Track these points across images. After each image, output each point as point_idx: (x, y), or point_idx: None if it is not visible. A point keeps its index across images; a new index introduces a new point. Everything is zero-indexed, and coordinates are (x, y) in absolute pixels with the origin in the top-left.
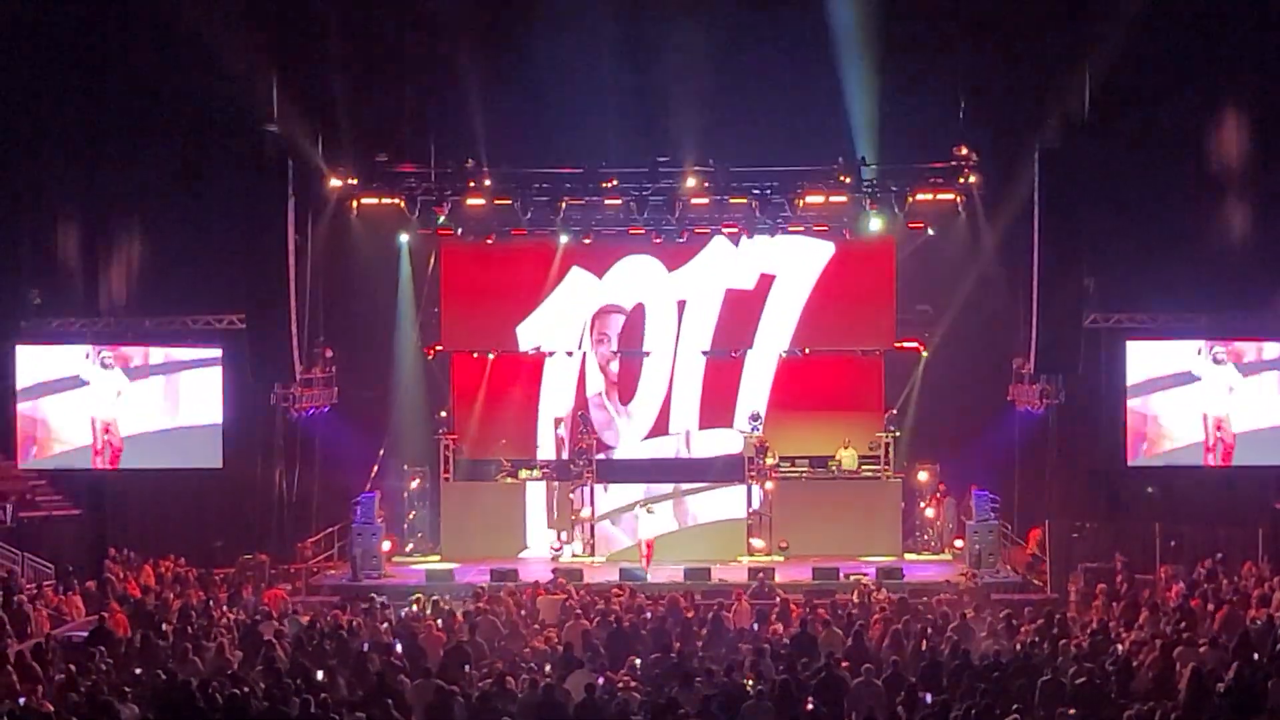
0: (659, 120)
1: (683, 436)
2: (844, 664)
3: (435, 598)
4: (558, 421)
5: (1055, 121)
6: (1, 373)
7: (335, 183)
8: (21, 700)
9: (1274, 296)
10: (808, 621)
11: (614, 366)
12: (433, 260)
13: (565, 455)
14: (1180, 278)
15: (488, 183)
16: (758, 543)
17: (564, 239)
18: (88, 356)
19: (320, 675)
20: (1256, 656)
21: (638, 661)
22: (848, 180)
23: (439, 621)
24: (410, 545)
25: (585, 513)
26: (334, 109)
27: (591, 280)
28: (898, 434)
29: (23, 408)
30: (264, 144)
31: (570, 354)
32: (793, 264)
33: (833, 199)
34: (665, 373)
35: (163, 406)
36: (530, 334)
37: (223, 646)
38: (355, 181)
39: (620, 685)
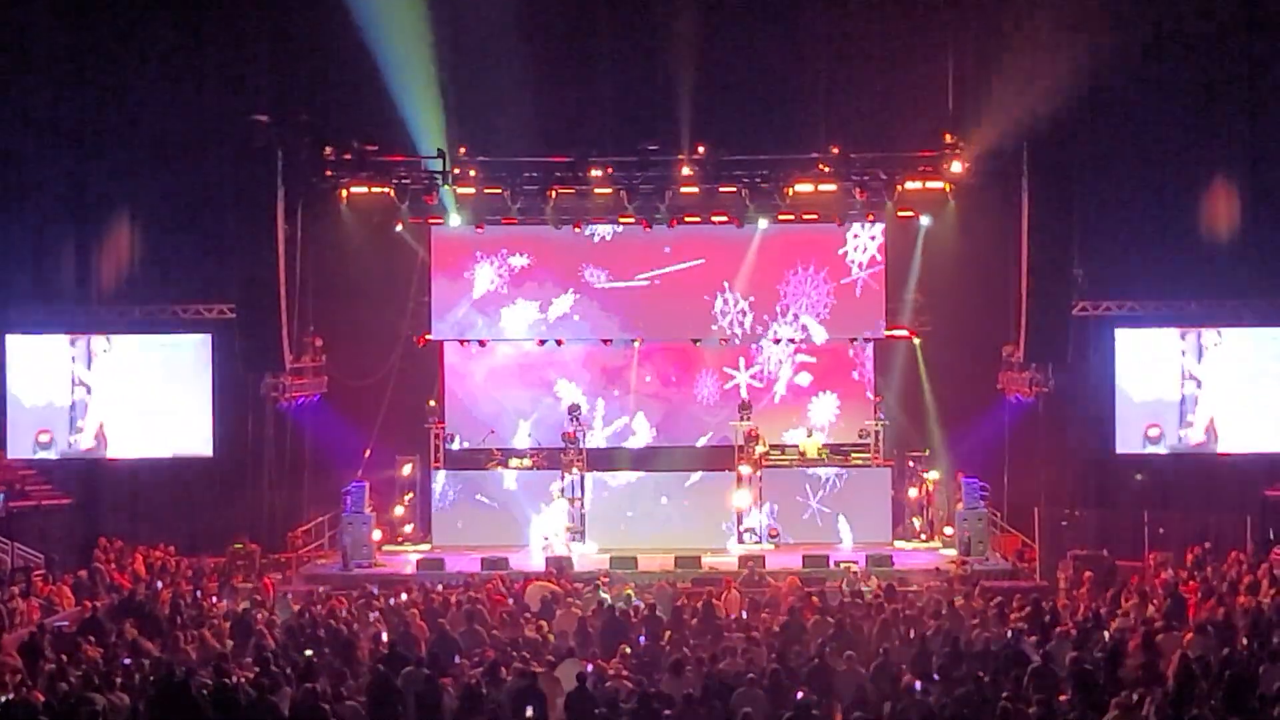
0: (649, 109)
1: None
2: (832, 651)
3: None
4: (547, 410)
5: (1044, 110)
6: None
7: (325, 172)
8: (8, 697)
9: (1262, 284)
10: (796, 610)
11: (603, 354)
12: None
13: (555, 444)
14: (1169, 266)
15: (475, 172)
16: (747, 531)
17: (554, 228)
18: (77, 345)
19: (310, 664)
20: (1245, 643)
21: (628, 650)
22: (837, 169)
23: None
24: (400, 535)
25: (564, 496)
26: (323, 98)
27: (581, 269)
28: (887, 422)
29: (12, 396)
30: (254, 133)
31: (560, 343)
32: (783, 252)
33: (822, 187)
34: (656, 360)
35: (152, 396)
36: (520, 322)
37: (212, 635)
38: (345, 171)
39: (611, 674)
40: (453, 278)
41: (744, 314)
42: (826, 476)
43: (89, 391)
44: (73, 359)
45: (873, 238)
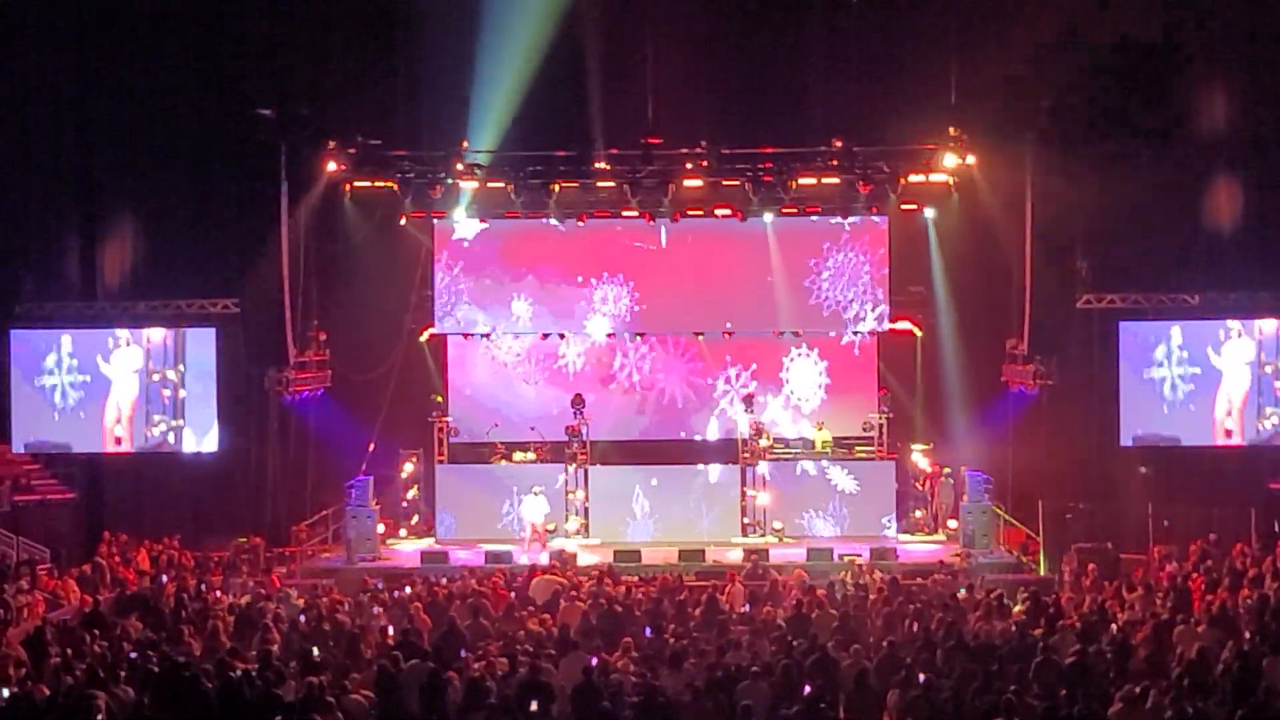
0: (652, 102)
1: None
2: (837, 644)
3: None
4: (550, 403)
5: (1048, 102)
6: None
7: (329, 166)
8: (12, 690)
9: (1265, 276)
10: (803, 603)
11: (607, 347)
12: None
13: (559, 437)
14: (1172, 258)
15: (478, 167)
16: (751, 525)
17: (557, 222)
18: (83, 342)
19: (315, 657)
20: (1249, 635)
21: (632, 643)
22: (841, 162)
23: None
24: (404, 529)
25: (579, 495)
26: (327, 92)
27: (584, 262)
28: (891, 415)
29: (19, 390)
30: (257, 128)
31: (563, 336)
32: (786, 246)
33: (825, 180)
34: (658, 354)
35: (157, 390)
36: (523, 316)
37: (217, 629)
38: (348, 165)
39: (618, 667)
40: (457, 271)
41: (746, 306)
42: (830, 471)
43: (99, 388)
44: (83, 355)
45: (875, 230)
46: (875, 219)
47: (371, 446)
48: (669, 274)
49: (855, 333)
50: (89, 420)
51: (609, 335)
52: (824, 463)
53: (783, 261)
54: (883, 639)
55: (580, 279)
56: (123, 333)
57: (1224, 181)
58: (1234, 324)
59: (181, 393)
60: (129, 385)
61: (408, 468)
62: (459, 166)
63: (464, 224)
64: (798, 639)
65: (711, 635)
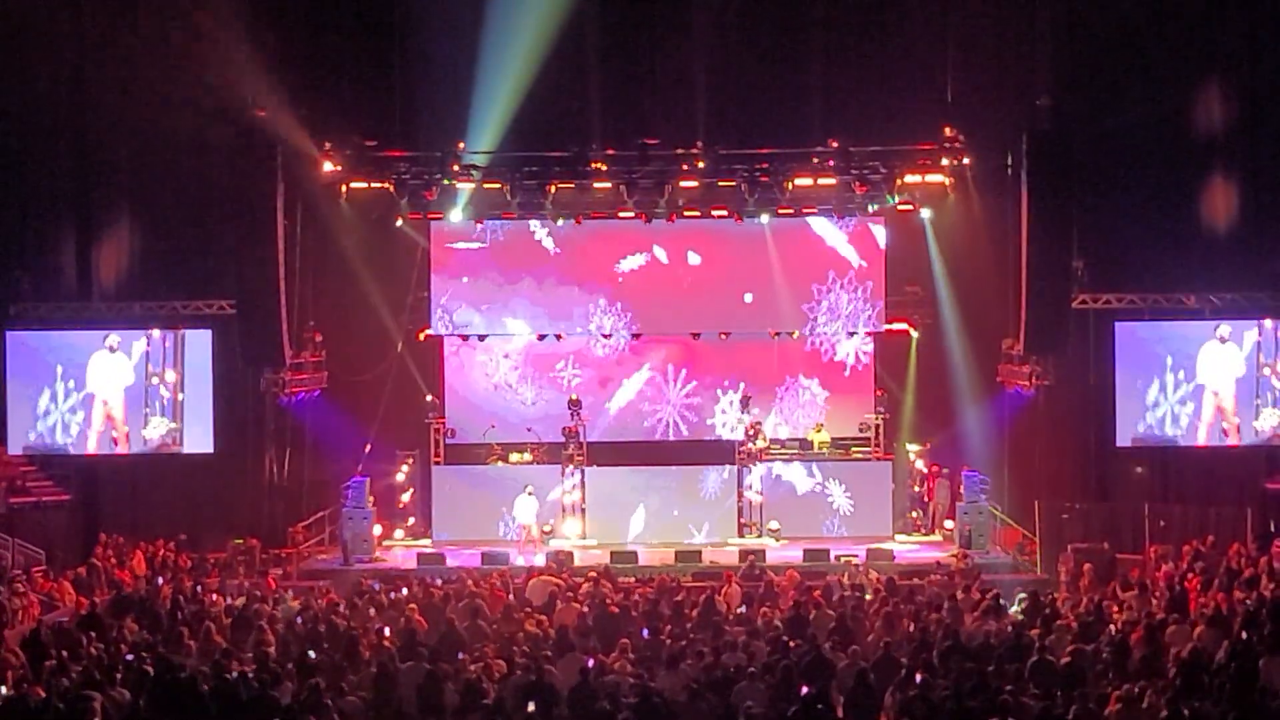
0: (648, 103)
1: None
2: (834, 645)
3: None
4: (547, 404)
5: (1043, 102)
6: None
7: (325, 167)
8: (9, 692)
9: (1262, 276)
10: (800, 603)
11: (603, 348)
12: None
13: (556, 439)
14: (1168, 258)
15: (476, 167)
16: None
17: (553, 223)
18: (75, 357)
19: (312, 659)
20: (1245, 635)
21: (629, 644)
22: (837, 162)
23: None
24: (401, 530)
25: (575, 496)
26: (323, 94)
27: (580, 262)
28: (887, 415)
29: (16, 391)
30: (253, 130)
31: (560, 337)
32: (783, 246)
33: (821, 181)
34: (654, 355)
35: (154, 391)
36: (519, 317)
37: (213, 631)
38: (344, 166)
39: (615, 668)
40: (454, 272)
41: (742, 307)
42: (829, 487)
43: (98, 388)
44: (81, 355)
45: (871, 230)
46: (871, 218)
47: (368, 448)
48: (666, 277)
49: (850, 333)
50: (85, 424)
51: (605, 335)
52: (815, 468)
53: (781, 264)
54: (880, 640)
55: (577, 290)
56: (113, 337)
57: (1221, 182)
58: (1224, 327)
59: (179, 395)
60: (115, 393)
61: (404, 469)
62: (455, 168)
63: (462, 240)
64: (795, 640)
65: (708, 636)
